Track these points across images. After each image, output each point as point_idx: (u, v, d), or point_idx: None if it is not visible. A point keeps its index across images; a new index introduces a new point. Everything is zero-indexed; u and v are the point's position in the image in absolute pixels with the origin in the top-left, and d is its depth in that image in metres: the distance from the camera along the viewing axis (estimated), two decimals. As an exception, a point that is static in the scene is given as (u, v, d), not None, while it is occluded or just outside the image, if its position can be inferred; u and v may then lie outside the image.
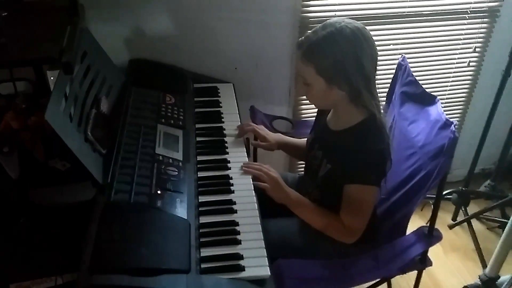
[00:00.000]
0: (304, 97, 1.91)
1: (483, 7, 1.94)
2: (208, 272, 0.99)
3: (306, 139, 1.49)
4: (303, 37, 1.18)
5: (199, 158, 1.34)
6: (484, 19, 1.97)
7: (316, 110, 1.49)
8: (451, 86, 2.13)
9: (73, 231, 1.15)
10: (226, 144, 1.41)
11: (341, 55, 1.14)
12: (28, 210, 1.27)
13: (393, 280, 1.66)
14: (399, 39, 1.92)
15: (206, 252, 1.04)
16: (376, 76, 1.22)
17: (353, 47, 1.13)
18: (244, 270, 1.01)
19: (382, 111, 1.26)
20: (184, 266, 0.96)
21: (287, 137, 1.57)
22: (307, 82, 1.20)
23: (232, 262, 1.02)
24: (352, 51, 1.13)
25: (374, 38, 1.19)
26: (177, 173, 1.21)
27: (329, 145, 1.31)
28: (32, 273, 1.24)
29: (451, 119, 1.28)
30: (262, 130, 1.52)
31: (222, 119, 1.53)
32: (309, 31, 1.19)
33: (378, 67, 1.22)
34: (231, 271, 1.00)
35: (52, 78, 1.37)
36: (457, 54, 2.04)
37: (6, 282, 1.24)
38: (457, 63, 2.06)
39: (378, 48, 1.20)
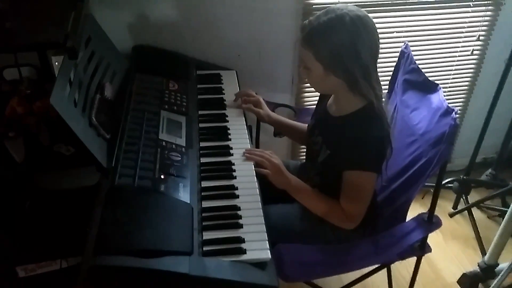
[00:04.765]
0: (307, 84, 1.94)
1: (487, -5, 1.93)
2: (210, 254, 1.01)
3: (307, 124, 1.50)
4: (306, 21, 1.19)
5: (202, 144, 1.35)
6: (488, 7, 1.96)
7: (318, 97, 1.50)
8: (454, 74, 2.12)
9: (78, 215, 1.17)
10: (228, 131, 1.42)
11: (338, 44, 1.14)
12: (33, 194, 1.29)
13: (393, 267, 1.68)
14: (403, 26, 1.92)
15: (208, 235, 1.06)
16: (377, 65, 1.22)
17: (351, 36, 1.13)
18: (245, 253, 1.03)
19: (383, 99, 1.26)
20: (186, 248, 0.98)
21: (282, 117, 1.59)
22: (307, 66, 1.21)
23: (234, 245, 1.04)
24: (349, 40, 1.13)
25: (378, 25, 1.18)
26: (180, 158, 1.22)
27: (328, 130, 1.32)
28: (37, 256, 1.27)
29: (452, 107, 1.29)
30: (260, 98, 1.55)
31: (225, 106, 1.54)
32: (312, 16, 1.18)
33: (380, 55, 1.22)
34: (233, 254, 1.02)
35: (56, 63, 1.37)
36: (460, 42, 2.03)
37: (12, 265, 1.26)
38: (460, 51, 2.06)
39: (381, 35, 1.20)
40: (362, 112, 1.23)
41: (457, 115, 1.27)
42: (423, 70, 1.50)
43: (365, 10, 1.17)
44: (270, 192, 1.25)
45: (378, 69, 1.23)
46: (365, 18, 1.15)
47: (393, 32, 1.91)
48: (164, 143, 1.25)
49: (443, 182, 1.82)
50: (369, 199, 1.25)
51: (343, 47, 1.14)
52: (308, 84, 1.92)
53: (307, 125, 1.48)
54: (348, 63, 1.15)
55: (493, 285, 1.64)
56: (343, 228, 1.27)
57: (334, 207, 1.25)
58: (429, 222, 1.37)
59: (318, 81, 1.24)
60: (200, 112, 1.48)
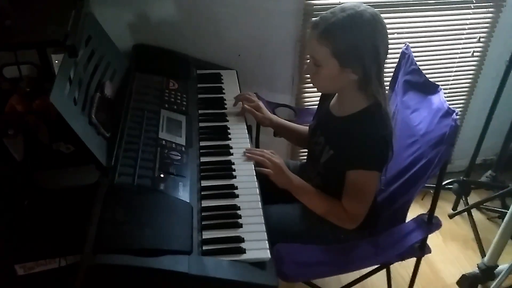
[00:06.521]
0: (307, 85, 1.93)
1: (488, -3, 1.93)
2: (209, 254, 1.01)
3: (307, 126, 1.49)
4: (318, 18, 1.17)
5: (202, 143, 1.35)
6: (489, 9, 1.96)
7: (318, 98, 1.50)
8: (454, 76, 2.12)
9: (77, 213, 1.17)
10: (228, 130, 1.42)
11: (360, 39, 1.14)
12: (32, 193, 1.29)
13: (392, 268, 1.68)
14: (404, 27, 1.92)
15: (207, 234, 1.06)
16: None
17: (373, 32, 1.14)
18: (245, 252, 1.03)
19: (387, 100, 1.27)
20: (186, 247, 0.98)
21: (284, 120, 1.58)
22: (319, 63, 1.19)
23: (233, 244, 1.04)
24: (371, 36, 1.14)
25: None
26: (180, 157, 1.22)
27: (331, 131, 1.32)
28: (36, 255, 1.27)
29: (453, 108, 1.29)
30: (259, 103, 1.52)
31: (225, 106, 1.53)
32: (325, 12, 1.17)
33: (381, 55, 1.22)
34: (232, 253, 1.02)
35: (56, 61, 1.38)
36: (461, 44, 2.03)
37: (11, 263, 1.26)
38: (461, 53, 2.05)
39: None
40: (366, 111, 1.23)
41: (457, 116, 1.27)
42: (423, 71, 1.50)
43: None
44: (269, 192, 1.25)
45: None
46: (380, 16, 1.16)
47: (394, 33, 1.91)
48: (164, 142, 1.24)
49: (443, 183, 1.82)
50: (371, 199, 1.25)
51: (364, 43, 1.14)
52: (308, 85, 1.92)
53: (308, 126, 1.48)
54: (367, 59, 1.15)
55: (492, 286, 1.64)
56: (344, 228, 1.27)
57: (336, 207, 1.25)
58: (429, 223, 1.37)
59: (329, 79, 1.22)
60: (200, 112, 1.48)
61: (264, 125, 1.54)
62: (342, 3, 1.19)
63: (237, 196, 1.18)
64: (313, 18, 1.20)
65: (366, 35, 1.14)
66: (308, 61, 1.25)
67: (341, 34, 1.14)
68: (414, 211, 1.45)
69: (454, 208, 2.23)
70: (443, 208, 2.21)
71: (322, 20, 1.16)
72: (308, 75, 1.31)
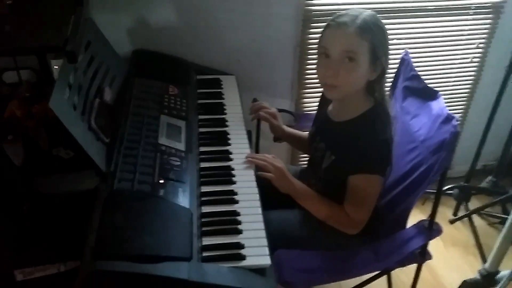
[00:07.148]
0: (307, 90, 1.93)
1: (487, 3, 1.93)
2: (209, 260, 1.00)
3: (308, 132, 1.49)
4: (341, 17, 1.17)
5: (202, 149, 1.34)
6: (488, 15, 1.97)
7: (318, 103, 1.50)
8: (454, 82, 2.13)
9: (76, 219, 1.16)
10: (228, 136, 1.41)
11: (387, 35, 1.20)
12: (31, 198, 1.28)
13: (393, 274, 1.67)
14: (403, 34, 1.92)
15: (207, 241, 1.05)
16: None
17: (387, 32, 1.20)
18: (245, 259, 1.02)
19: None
20: (185, 254, 0.97)
21: (294, 130, 1.59)
22: (355, 58, 1.16)
23: (233, 251, 1.03)
24: (387, 35, 1.20)
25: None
26: (179, 163, 1.21)
27: (332, 136, 1.31)
28: (36, 260, 1.26)
29: (453, 115, 1.29)
30: (276, 112, 1.53)
31: (225, 111, 1.53)
32: (343, 12, 1.19)
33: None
34: (232, 260, 1.01)
35: (56, 67, 1.37)
36: (460, 50, 2.04)
37: (11, 269, 1.25)
38: (460, 59, 2.06)
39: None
40: (367, 115, 1.23)
41: (457, 122, 1.26)
42: (423, 77, 1.51)
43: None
44: (270, 198, 1.24)
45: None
46: None
47: (393, 39, 1.91)
48: (163, 147, 1.24)
49: (444, 189, 1.82)
50: (374, 203, 1.25)
51: (388, 40, 1.20)
52: (308, 90, 1.93)
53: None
54: (388, 57, 1.21)
55: (493, 292, 1.63)
56: (345, 233, 1.27)
57: (338, 211, 1.25)
58: (430, 229, 1.36)
59: (359, 76, 1.19)
60: (200, 117, 1.48)
61: (276, 134, 1.54)
62: (343, 9, 1.20)
63: (237, 202, 1.18)
64: (338, 18, 1.19)
65: (387, 33, 1.19)
66: (329, 59, 1.19)
67: (377, 29, 1.17)
68: (415, 216, 1.45)
69: (454, 214, 2.23)
70: (444, 214, 2.21)
71: (351, 16, 1.16)
72: (325, 76, 1.22)
